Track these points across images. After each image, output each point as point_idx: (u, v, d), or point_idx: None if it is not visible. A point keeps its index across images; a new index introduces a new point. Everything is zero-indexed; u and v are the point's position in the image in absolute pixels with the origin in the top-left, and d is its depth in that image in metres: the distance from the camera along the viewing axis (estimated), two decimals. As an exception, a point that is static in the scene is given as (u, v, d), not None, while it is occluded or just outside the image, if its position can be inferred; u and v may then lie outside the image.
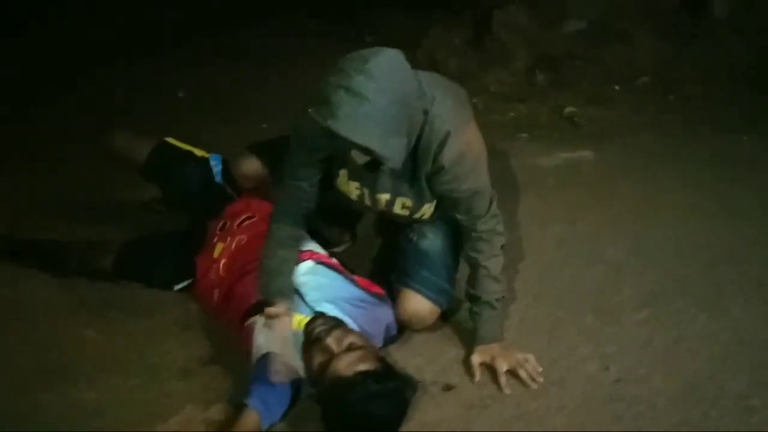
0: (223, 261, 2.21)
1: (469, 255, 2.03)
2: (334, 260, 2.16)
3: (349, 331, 1.86)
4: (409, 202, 1.99)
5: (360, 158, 1.75)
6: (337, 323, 1.87)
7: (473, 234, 1.99)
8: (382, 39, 4.49)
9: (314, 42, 4.69)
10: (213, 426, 1.88)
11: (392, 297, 2.11)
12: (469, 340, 2.04)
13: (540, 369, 1.93)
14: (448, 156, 1.82)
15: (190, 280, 2.34)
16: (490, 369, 1.95)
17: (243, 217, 2.29)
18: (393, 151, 1.67)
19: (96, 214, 2.81)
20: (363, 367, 1.74)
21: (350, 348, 1.78)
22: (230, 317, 2.11)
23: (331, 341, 1.78)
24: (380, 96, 1.61)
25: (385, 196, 1.98)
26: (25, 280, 2.43)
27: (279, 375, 1.81)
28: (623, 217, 2.59)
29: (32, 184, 3.06)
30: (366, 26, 4.82)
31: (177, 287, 2.37)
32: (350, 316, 1.98)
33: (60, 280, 2.42)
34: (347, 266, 2.19)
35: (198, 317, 2.29)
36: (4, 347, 2.19)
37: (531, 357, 1.95)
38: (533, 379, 1.90)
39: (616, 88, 3.90)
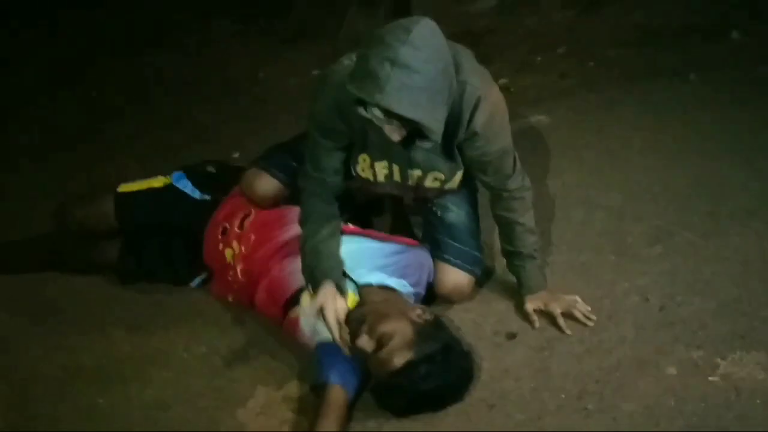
0: (239, 267, 2.16)
1: (503, 215, 2.06)
2: (351, 226, 2.13)
3: (377, 317, 1.82)
4: (441, 175, 2.00)
5: (396, 134, 1.70)
6: (365, 313, 1.86)
7: (504, 194, 2.02)
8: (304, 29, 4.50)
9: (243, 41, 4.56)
10: (293, 404, 1.88)
11: None
12: (515, 294, 2.13)
13: (589, 308, 2.05)
14: (480, 121, 1.83)
15: (204, 275, 2.30)
16: (544, 314, 2.06)
17: (240, 216, 2.23)
18: (438, 123, 1.66)
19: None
20: (400, 359, 1.75)
21: (382, 341, 1.77)
22: (266, 312, 2.11)
23: (363, 343, 1.78)
24: (427, 66, 1.58)
25: (417, 172, 1.99)
26: (42, 285, 2.37)
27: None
28: (602, 168, 2.77)
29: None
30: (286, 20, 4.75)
31: (194, 283, 2.32)
32: (389, 273, 2.01)
33: (74, 279, 2.35)
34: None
35: (224, 307, 2.25)
36: (34, 356, 2.06)
37: (578, 298, 2.07)
38: (588, 317, 2.02)
39: (539, 59, 4.10)
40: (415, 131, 1.68)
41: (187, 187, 2.35)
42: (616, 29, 4.18)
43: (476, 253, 2.16)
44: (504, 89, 3.75)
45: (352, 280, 1.99)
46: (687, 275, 2.16)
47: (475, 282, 2.19)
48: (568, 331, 2.00)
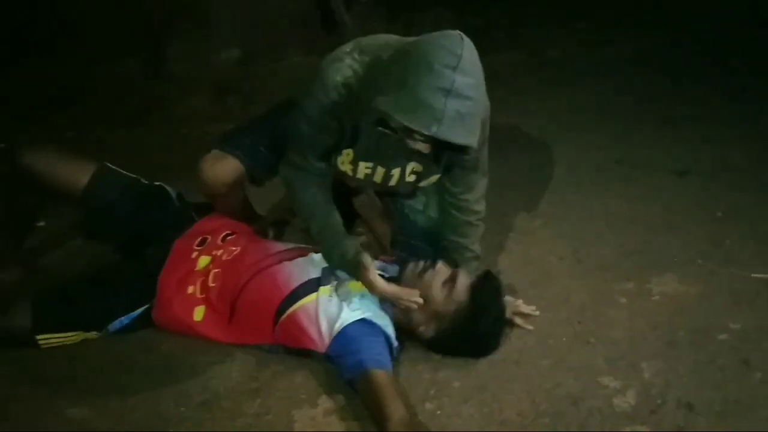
0: (214, 271, 2.05)
1: (453, 239, 2.12)
2: None
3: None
4: (420, 167, 2.01)
5: (426, 148, 1.72)
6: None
7: (460, 217, 2.08)
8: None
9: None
10: (338, 413, 1.85)
11: None
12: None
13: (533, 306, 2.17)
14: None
15: (142, 309, 2.06)
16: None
17: (224, 233, 2.16)
18: (476, 140, 1.69)
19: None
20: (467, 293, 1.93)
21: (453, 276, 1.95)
22: (247, 326, 2.00)
23: (440, 268, 1.95)
24: (477, 92, 1.64)
25: (398, 171, 2.02)
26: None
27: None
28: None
29: None
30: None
31: (128, 319, 2.05)
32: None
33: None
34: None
35: (189, 342, 2.05)
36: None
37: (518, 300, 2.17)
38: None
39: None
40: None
41: (172, 192, 2.22)
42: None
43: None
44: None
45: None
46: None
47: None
48: (529, 327, 2.11)
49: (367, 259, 1.94)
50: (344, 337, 1.87)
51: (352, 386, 1.82)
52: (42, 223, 2.50)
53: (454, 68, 1.58)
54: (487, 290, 1.97)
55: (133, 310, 2.04)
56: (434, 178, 2.06)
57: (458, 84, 1.58)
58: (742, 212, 2.71)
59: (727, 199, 2.81)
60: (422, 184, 2.09)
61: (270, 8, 4.75)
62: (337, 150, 1.99)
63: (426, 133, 1.60)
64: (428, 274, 1.95)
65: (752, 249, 2.47)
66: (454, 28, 1.68)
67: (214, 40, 4.59)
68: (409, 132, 1.67)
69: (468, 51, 1.62)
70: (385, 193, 2.26)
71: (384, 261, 2.16)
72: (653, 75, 4.38)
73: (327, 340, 1.89)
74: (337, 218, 2.03)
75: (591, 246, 2.53)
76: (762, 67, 4.24)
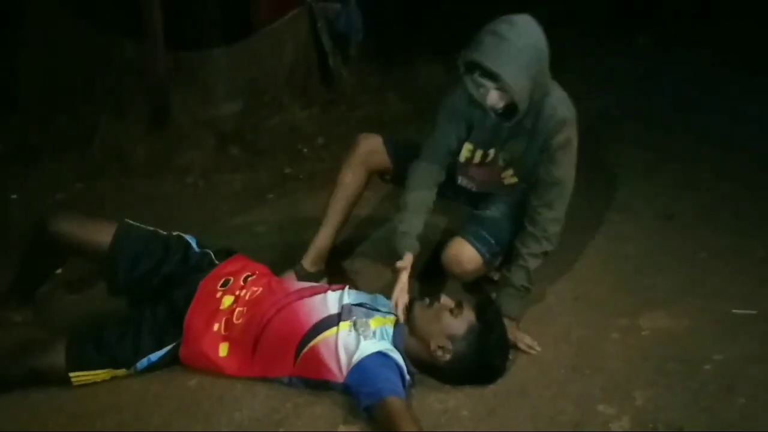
0: (238, 309, 2.20)
1: (516, 245, 2.35)
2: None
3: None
4: (509, 156, 2.39)
5: (498, 102, 2.15)
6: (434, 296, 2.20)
7: (529, 228, 2.32)
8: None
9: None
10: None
11: None
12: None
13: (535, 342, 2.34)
14: (558, 140, 2.24)
15: (170, 347, 2.20)
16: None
17: (245, 274, 2.31)
18: (521, 89, 2.08)
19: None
20: (472, 315, 2.13)
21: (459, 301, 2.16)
22: (270, 360, 2.15)
23: (445, 300, 2.15)
24: (518, 38, 2.06)
25: (493, 151, 2.39)
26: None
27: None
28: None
29: None
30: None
31: (156, 356, 2.18)
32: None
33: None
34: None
35: (214, 377, 2.18)
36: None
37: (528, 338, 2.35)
38: (531, 347, 2.31)
39: (305, 150, 4.53)
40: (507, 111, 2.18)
41: (191, 239, 2.38)
42: (361, 120, 4.85)
43: (491, 240, 2.45)
44: (294, 178, 4.11)
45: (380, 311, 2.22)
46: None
47: (482, 263, 2.46)
48: (534, 351, 2.31)
49: (408, 258, 2.28)
50: (362, 367, 2.02)
51: (370, 414, 1.97)
52: (59, 271, 2.63)
53: (505, 20, 2.09)
54: (491, 310, 2.18)
55: (160, 348, 2.18)
56: (513, 179, 2.47)
57: (501, 28, 2.07)
58: (723, 254, 2.92)
59: (709, 242, 3.02)
60: (507, 180, 2.47)
61: (269, 64, 4.99)
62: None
63: (467, 58, 2.10)
64: (436, 305, 2.14)
65: (733, 287, 2.67)
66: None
67: (216, 93, 4.79)
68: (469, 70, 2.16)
69: (526, 17, 2.11)
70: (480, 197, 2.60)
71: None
72: (634, 124, 4.71)
73: (345, 371, 2.05)
74: (425, 193, 2.41)
75: (587, 284, 2.71)
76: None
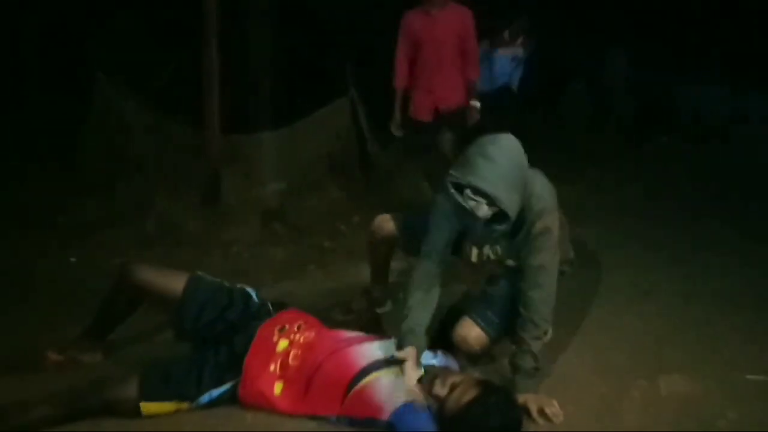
0: (292, 352, 2.45)
1: (518, 331, 2.51)
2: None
3: (447, 373, 2.39)
4: (499, 249, 2.64)
5: (488, 213, 2.29)
6: (436, 373, 2.40)
7: (525, 312, 2.49)
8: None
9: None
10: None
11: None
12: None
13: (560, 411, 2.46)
14: (538, 227, 2.46)
15: (229, 384, 2.43)
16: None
17: (298, 322, 2.57)
18: (512, 202, 2.29)
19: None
20: (469, 396, 2.26)
21: (453, 387, 2.29)
22: (321, 398, 2.37)
23: (437, 390, 2.30)
24: (505, 160, 2.29)
25: (487, 249, 2.64)
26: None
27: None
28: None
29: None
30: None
31: (217, 392, 2.42)
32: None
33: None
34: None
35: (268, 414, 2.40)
36: None
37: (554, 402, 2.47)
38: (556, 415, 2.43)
39: (342, 227, 4.83)
40: (496, 216, 2.31)
41: (252, 291, 2.66)
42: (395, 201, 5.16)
43: (497, 320, 2.65)
44: (333, 251, 4.39)
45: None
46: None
47: (488, 341, 2.65)
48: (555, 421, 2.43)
49: (410, 350, 2.40)
50: (405, 408, 2.24)
51: None
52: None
53: (491, 142, 2.33)
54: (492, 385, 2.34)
55: (221, 386, 2.42)
56: (509, 263, 2.66)
57: (490, 151, 2.30)
58: (738, 328, 3.14)
59: (726, 318, 3.24)
60: (505, 262, 2.67)
61: (312, 147, 5.37)
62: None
63: (463, 182, 2.27)
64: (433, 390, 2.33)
65: (747, 356, 2.88)
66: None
67: (262, 174, 5.15)
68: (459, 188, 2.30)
69: (507, 139, 2.36)
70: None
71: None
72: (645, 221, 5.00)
73: (390, 411, 2.25)
74: (425, 293, 2.56)
75: (608, 352, 2.92)
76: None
